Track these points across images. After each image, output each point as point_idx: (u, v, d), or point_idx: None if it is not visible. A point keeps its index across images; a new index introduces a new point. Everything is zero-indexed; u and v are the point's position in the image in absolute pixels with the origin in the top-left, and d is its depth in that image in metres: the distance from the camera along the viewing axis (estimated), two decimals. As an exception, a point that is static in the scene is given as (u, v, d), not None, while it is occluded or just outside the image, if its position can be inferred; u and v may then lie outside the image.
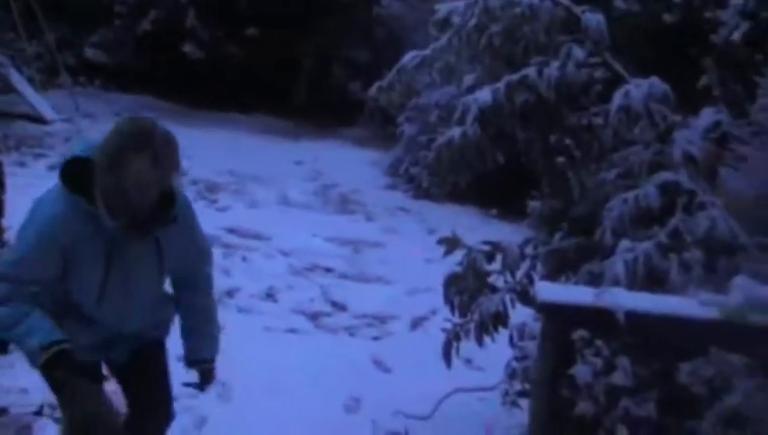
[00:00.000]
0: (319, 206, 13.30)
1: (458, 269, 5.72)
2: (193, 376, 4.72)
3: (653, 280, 4.66)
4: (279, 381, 6.90)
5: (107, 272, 4.05)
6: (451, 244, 5.68)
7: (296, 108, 19.15)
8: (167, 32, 18.46)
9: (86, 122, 15.88)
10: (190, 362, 4.66)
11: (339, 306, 9.06)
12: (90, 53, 18.94)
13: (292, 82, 19.44)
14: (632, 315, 4.00)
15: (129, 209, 3.86)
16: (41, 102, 15.55)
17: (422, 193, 14.19)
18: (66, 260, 3.98)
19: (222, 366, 7.11)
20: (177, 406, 6.39)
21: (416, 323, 8.67)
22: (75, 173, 3.96)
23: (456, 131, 5.64)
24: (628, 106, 5.20)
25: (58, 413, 6.15)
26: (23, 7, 16.18)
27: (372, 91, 6.62)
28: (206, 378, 4.74)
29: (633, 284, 4.60)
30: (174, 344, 4.71)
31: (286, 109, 18.96)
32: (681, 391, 4.08)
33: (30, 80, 16.21)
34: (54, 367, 4.10)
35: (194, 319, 4.59)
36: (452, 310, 5.81)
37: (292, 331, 8.26)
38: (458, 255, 5.74)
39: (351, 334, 8.44)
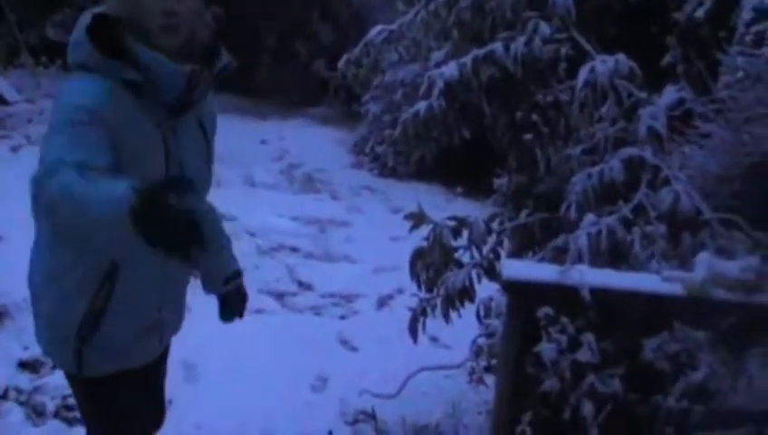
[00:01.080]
0: (284, 185, 13.26)
1: (424, 244, 5.72)
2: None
3: (616, 255, 4.68)
4: (245, 361, 6.88)
5: (167, 171, 3.41)
6: (417, 219, 5.67)
7: (260, 87, 19.07)
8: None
9: (48, 103, 15.73)
10: (223, 280, 4.19)
11: (305, 286, 9.05)
12: (52, 33, 18.74)
13: (255, 61, 19.34)
14: (597, 292, 4.02)
15: (184, 45, 3.33)
16: (2, 83, 15.37)
17: (387, 172, 14.20)
18: (118, 153, 3.12)
19: (186, 347, 7.11)
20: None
21: (382, 302, 8.68)
22: (101, 36, 3.27)
23: (421, 105, 5.62)
24: (594, 82, 5.20)
25: (23, 397, 6.14)
26: (-17, -14, 16.03)
27: (340, 64, 6.60)
28: (242, 297, 4.32)
29: (596, 258, 4.61)
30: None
31: (250, 88, 18.87)
32: (646, 367, 4.09)
33: (-9, 60, 16.06)
34: (152, 211, 2.71)
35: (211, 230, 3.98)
36: (418, 285, 5.80)
37: (259, 311, 8.23)
38: (424, 231, 5.73)
39: (318, 314, 8.44)
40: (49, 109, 13.53)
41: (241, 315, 4.25)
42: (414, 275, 5.74)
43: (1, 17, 16.74)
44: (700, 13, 6.22)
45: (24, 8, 17.96)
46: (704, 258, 4.11)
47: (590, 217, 4.80)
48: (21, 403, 6.11)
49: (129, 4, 3.26)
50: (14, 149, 12.55)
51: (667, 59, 6.22)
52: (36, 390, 6.29)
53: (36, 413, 6.05)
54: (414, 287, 5.91)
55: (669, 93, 5.23)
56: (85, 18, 3.31)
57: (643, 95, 5.21)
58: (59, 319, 3.57)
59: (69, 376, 3.79)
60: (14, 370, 6.45)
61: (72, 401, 6.17)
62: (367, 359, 7.25)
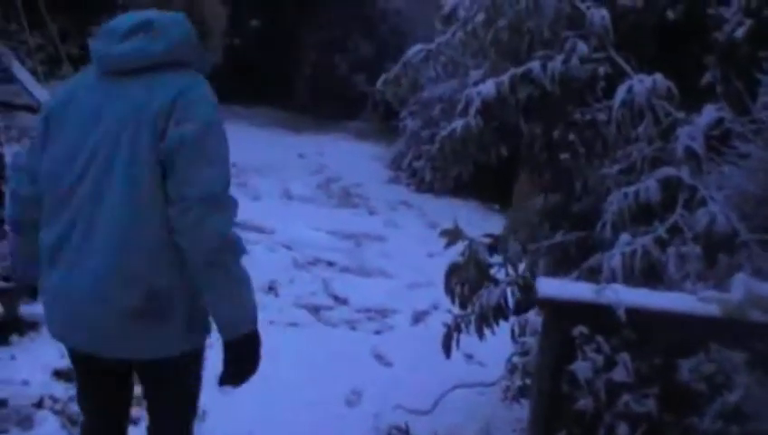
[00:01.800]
0: (321, 199, 13.30)
1: (460, 260, 5.72)
2: None
3: (651, 275, 4.66)
4: (280, 374, 6.90)
5: None
6: (453, 235, 5.68)
7: (299, 100, 19.15)
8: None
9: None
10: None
11: (340, 300, 9.07)
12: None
13: (295, 75, 19.44)
14: (633, 312, 4.00)
15: None
16: (43, 94, 15.50)
17: (424, 187, 14.21)
18: None
19: (221, 360, 7.14)
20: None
21: (417, 318, 8.68)
22: None
23: (458, 123, 5.64)
24: (631, 101, 5.20)
25: (59, 406, 6.19)
26: (24, -2, 16.19)
27: (379, 84, 6.62)
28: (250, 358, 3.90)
29: (630, 278, 4.60)
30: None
31: (289, 102, 18.97)
32: (681, 387, 4.08)
33: (32, 71, 16.19)
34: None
35: None
36: (453, 301, 5.81)
37: (294, 324, 8.27)
38: (460, 247, 5.73)
39: (353, 328, 8.45)
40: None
41: (240, 381, 3.80)
42: (449, 290, 5.75)
43: (42, 28, 16.90)
44: (740, 33, 6.18)
45: (65, 19, 18.14)
46: (741, 279, 4.08)
47: (624, 237, 4.79)
48: (56, 412, 6.15)
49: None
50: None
51: (706, 78, 6.19)
52: (72, 399, 6.33)
53: (71, 423, 6.09)
54: (449, 303, 5.91)
55: (708, 113, 5.21)
56: (180, 16, 3.45)
57: (681, 115, 5.19)
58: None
59: (192, 355, 3.82)
60: (50, 378, 6.50)
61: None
62: (401, 374, 7.24)
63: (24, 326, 7.05)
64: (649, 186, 4.93)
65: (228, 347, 3.51)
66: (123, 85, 3.35)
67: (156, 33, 3.36)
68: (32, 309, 7.11)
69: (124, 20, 3.43)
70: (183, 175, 3.24)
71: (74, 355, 3.82)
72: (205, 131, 3.33)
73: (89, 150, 3.32)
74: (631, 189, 4.98)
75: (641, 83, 5.23)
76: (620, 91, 5.26)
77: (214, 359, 6.63)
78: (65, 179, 3.36)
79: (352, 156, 15.94)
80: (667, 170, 4.97)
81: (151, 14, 3.42)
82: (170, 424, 3.97)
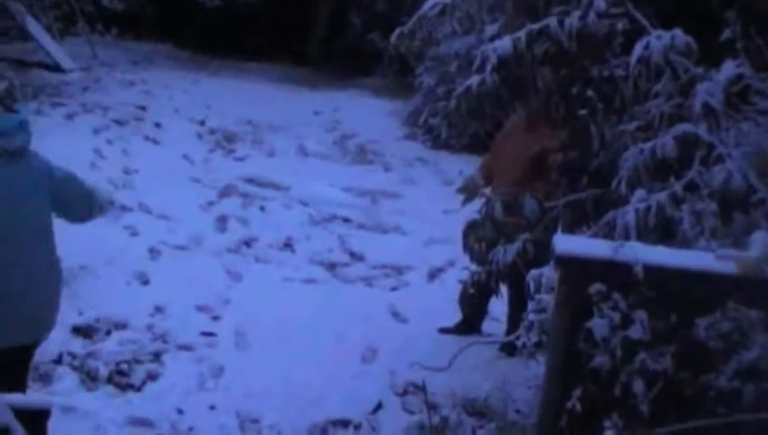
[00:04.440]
0: (337, 156, 13.28)
1: (477, 217, 5.71)
2: None
3: (665, 231, 4.64)
4: (296, 330, 6.94)
5: None
6: (470, 191, 5.66)
7: (314, 57, 19.09)
8: (184, -21, 18.43)
9: (103, 71, 15.87)
10: None
11: (356, 256, 9.09)
12: (107, 1, 18.85)
13: (309, 31, 19.36)
14: (650, 269, 3.99)
15: None
16: (58, 51, 15.50)
17: (440, 144, 14.14)
18: None
19: (239, 316, 7.18)
20: (193, 355, 6.50)
21: (433, 275, 8.69)
22: None
23: (474, 80, 5.60)
24: (648, 58, 5.15)
25: (77, 362, 6.25)
26: (40, -45, 16.14)
27: (393, 38, 6.58)
28: None
29: (644, 233, 4.58)
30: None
31: (304, 58, 18.90)
32: (698, 345, 4.07)
33: (47, 28, 16.17)
34: None
35: None
36: (471, 259, 5.81)
37: (310, 281, 8.29)
38: (477, 203, 5.72)
39: (369, 285, 8.47)
40: (104, 77, 13.73)
41: None
42: (467, 248, 5.74)
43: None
44: (761, -13, 6.11)
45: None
46: (759, 237, 4.06)
47: (639, 193, 4.77)
48: (74, 368, 6.22)
49: None
50: (70, 117, 12.68)
51: (726, 34, 6.12)
52: (90, 355, 6.39)
53: (90, 378, 6.15)
54: (465, 260, 5.91)
55: (728, 68, 5.15)
56: None
57: (699, 71, 5.15)
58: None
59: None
60: (69, 335, 6.56)
61: (125, 366, 6.28)
62: (417, 331, 7.26)
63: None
64: (666, 142, 4.90)
65: None
66: None
67: None
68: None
69: None
70: None
71: None
72: None
73: None
74: (647, 146, 4.95)
75: (659, 40, 5.18)
76: (637, 48, 5.21)
77: (232, 316, 6.71)
78: None
79: (368, 112, 15.87)
80: (685, 127, 4.94)
81: None
82: None
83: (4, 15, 15.32)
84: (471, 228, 5.73)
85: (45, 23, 16.32)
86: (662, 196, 4.74)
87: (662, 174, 4.93)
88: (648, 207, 4.70)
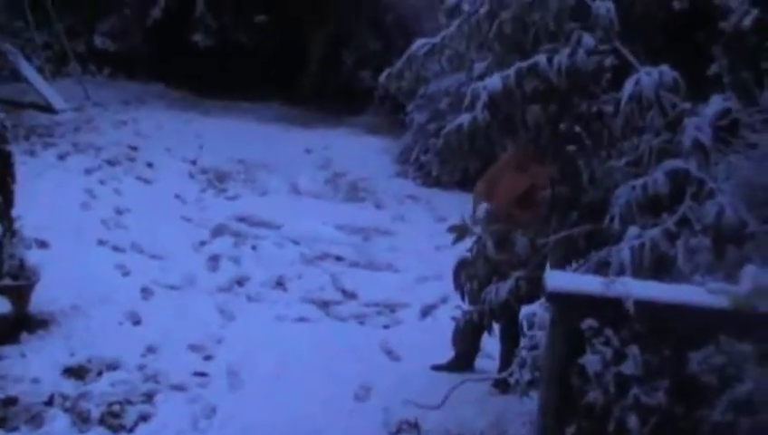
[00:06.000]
0: (329, 194, 13.28)
1: (468, 255, 5.71)
2: None
3: (659, 267, 4.65)
4: (289, 369, 6.92)
5: None
6: (461, 231, 5.67)
7: (306, 96, 19.14)
8: (176, 20, 18.47)
9: (96, 111, 15.90)
10: None
11: (349, 294, 9.08)
12: (99, 41, 18.91)
13: (301, 70, 19.43)
14: (641, 304, 4.00)
15: None
16: (50, 92, 15.55)
17: (431, 181, 14.16)
18: None
19: (232, 355, 7.15)
20: (185, 396, 6.48)
21: (425, 312, 8.68)
22: None
23: (465, 117, 5.62)
24: (639, 94, 5.18)
25: (69, 403, 6.22)
26: (31, -4, 16.23)
27: (382, 78, 6.61)
28: None
29: (639, 270, 4.59)
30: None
31: (296, 97, 18.95)
32: (691, 379, 4.07)
33: (39, 69, 16.23)
34: None
35: None
36: (462, 297, 5.80)
37: (303, 319, 8.28)
38: (468, 242, 5.72)
39: (361, 323, 8.46)
40: (96, 116, 13.84)
41: None
42: (458, 286, 5.74)
43: (49, 26, 16.94)
44: (747, 22, 6.17)
45: (72, 17, 18.17)
46: (749, 271, 4.08)
47: (633, 230, 4.78)
48: (66, 410, 6.18)
49: None
50: (62, 157, 12.69)
51: (713, 69, 6.18)
52: (82, 396, 6.36)
53: (81, 420, 6.11)
54: (457, 297, 5.90)
55: (715, 103, 5.19)
56: None
57: (687, 105, 5.17)
58: None
59: None
60: (60, 376, 6.53)
61: (117, 407, 6.25)
62: (410, 368, 7.24)
63: (34, 324, 7.08)
64: (657, 178, 4.92)
65: None
66: None
67: None
68: (41, 307, 7.14)
69: None
70: None
71: None
72: None
73: None
74: (639, 182, 4.97)
75: (648, 76, 5.21)
76: (628, 84, 5.24)
77: (224, 355, 6.71)
78: None
79: (359, 150, 15.89)
80: (675, 163, 4.96)
81: None
82: None
83: (-4, 56, 15.40)
84: (462, 267, 5.73)
85: (37, 63, 16.38)
86: (656, 232, 4.76)
87: (654, 209, 4.94)
88: (643, 244, 4.71)
